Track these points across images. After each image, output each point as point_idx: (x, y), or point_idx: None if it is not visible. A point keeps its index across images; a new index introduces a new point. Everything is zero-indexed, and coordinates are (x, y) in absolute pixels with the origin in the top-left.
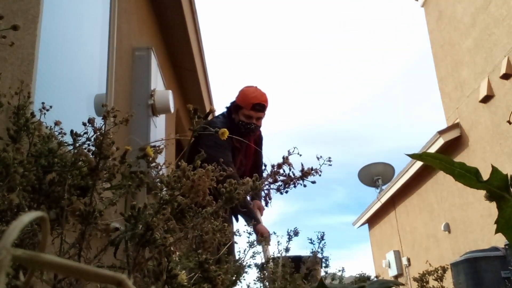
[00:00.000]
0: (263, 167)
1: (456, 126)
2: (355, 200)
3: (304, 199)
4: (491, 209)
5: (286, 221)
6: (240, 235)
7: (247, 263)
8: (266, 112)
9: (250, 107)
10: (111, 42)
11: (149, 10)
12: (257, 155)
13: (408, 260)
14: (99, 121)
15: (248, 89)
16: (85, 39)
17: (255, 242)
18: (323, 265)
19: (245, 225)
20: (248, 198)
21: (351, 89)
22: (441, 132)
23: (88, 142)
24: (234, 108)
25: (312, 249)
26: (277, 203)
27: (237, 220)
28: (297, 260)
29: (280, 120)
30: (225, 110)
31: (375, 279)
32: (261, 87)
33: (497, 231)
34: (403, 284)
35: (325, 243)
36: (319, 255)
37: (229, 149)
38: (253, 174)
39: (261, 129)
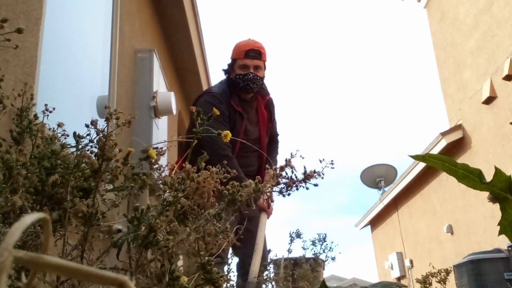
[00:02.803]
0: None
1: (458, 127)
2: (356, 202)
3: (305, 201)
4: (494, 211)
5: (287, 223)
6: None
7: None
8: (267, 63)
9: (243, 55)
10: (113, 44)
11: (151, 12)
12: (271, 125)
13: (411, 261)
14: (101, 123)
15: (240, 41)
16: (87, 41)
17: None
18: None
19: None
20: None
21: (352, 89)
22: (443, 134)
23: (90, 144)
24: (230, 67)
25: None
26: (278, 205)
27: None
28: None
29: (281, 121)
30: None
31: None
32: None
33: (500, 233)
34: (406, 286)
35: (327, 244)
36: (322, 257)
37: (224, 119)
38: (269, 149)
39: (272, 95)
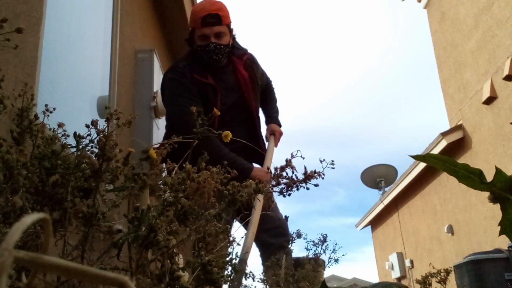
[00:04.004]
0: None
1: (459, 127)
2: (356, 202)
3: (304, 201)
4: (495, 211)
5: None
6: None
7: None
8: (232, 25)
9: (200, 24)
10: (114, 44)
11: (152, 12)
12: (259, 82)
13: (411, 262)
14: (102, 123)
15: (195, 5)
16: (88, 41)
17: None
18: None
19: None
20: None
21: (352, 89)
22: (444, 134)
23: (91, 144)
24: (191, 37)
25: (315, 252)
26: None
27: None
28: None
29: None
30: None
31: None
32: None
33: (500, 233)
34: (406, 287)
35: (327, 246)
36: (322, 257)
37: (193, 94)
38: (267, 107)
39: (251, 51)
